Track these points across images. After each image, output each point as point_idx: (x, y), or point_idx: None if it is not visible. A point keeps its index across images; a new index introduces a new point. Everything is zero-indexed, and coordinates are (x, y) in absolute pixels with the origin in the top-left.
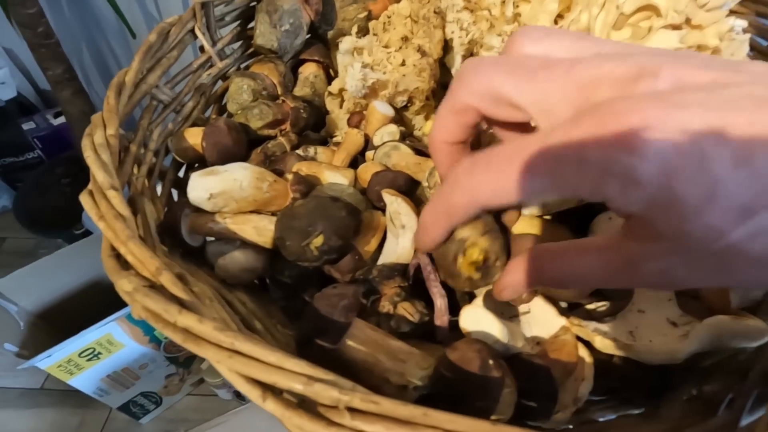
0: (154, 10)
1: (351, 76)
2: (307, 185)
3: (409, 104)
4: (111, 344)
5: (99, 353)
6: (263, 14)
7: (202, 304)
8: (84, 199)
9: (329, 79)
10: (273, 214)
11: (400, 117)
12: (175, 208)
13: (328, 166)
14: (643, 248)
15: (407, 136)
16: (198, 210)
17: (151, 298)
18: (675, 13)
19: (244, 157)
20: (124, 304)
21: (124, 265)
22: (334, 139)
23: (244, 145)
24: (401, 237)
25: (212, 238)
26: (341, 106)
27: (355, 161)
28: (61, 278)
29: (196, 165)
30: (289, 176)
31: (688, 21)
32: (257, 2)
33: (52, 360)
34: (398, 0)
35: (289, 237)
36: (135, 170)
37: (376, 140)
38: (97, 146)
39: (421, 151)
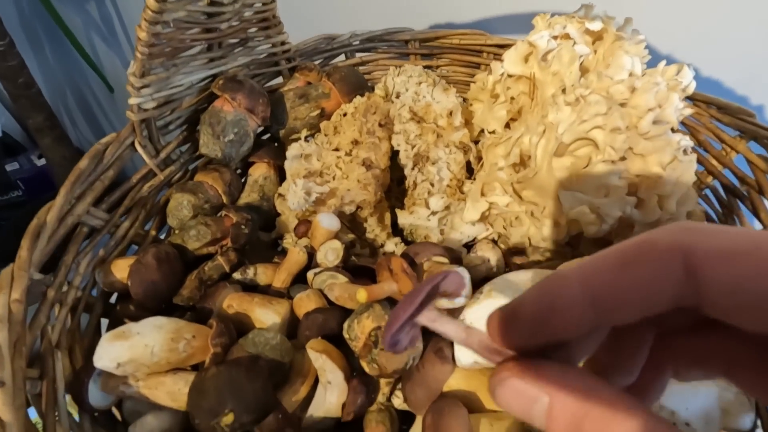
0: None
1: (293, 192)
2: (231, 335)
3: (359, 209)
4: None
5: None
6: (206, 126)
7: None
8: None
9: (281, 177)
10: (194, 367)
11: (352, 217)
12: (82, 374)
13: (260, 301)
14: None
15: (356, 242)
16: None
17: None
18: (612, 149)
19: (176, 288)
20: None
21: None
22: (284, 241)
23: (177, 274)
24: (329, 392)
25: None
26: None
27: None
28: None
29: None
30: (213, 324)
31: (630, 149)
32: (206, 105)
33: None
34: (353, 99)
35: (197, 414)
36: (56, 312)
37: (320, 256)
38: None
39: (365, 267)
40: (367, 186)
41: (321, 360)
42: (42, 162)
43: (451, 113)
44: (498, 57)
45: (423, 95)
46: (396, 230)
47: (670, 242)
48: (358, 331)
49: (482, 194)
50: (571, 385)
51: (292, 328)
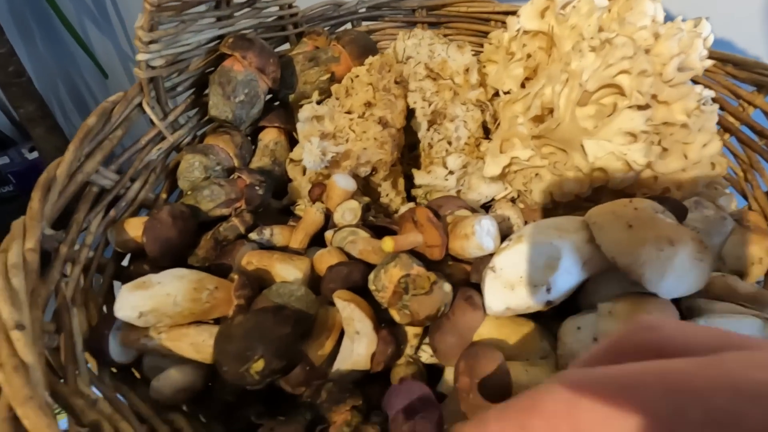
0: (127, 47)
1: (308, 151)
2: (253, 288)
3: (374, 172)
4: None
5: None
6: (216, 86)
7: None
8: None
9: (291, 144)
10: (216, 321)
11: (366, 182)
12: (101, 326)
13: (280, 257)
14: None
15: (371, 206)
16: (130, 323)
17: None
18: (639, 94)
19: (191, 246)
20: None
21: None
22: (297, 208)
23: (191, 233)
24: (357, 343)
25: None
26: (304, 173)
27: (319, 237)
28: None
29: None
30: (235, 277)
31: (654, 97)
32: (213, 69)
33: None
34: (363, 62)
35: (225, 362)
36: (69, 270)
37: (337, 217)
38: (9, 268)
39: (384, 227)
40: (383, 144)
41: (349, 309)
42: (33, 155)
43: (467, 70)
44: (505, 24)
45: (438, 53)
46: (409, 198)
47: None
48: (386, 280)
49: (501, 151)
50: None
51: (312, 286)
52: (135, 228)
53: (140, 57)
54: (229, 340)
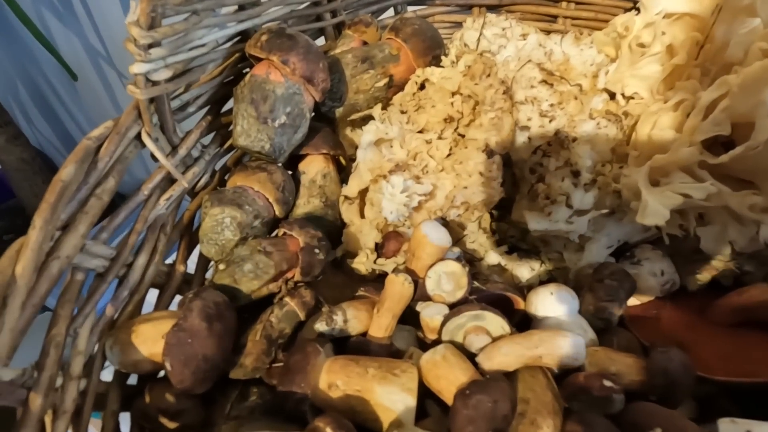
0: (98, 43)
1: (389, 197)
2: None
3: (464, 213)
4: None
5: None
6: (246, 105)
7: None
8: None
9: (343, 173)
10: None
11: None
12: None
13: (377, 372)
14: None
15: (467, 258)
16: None
17: None
18: None
19: (233, 349)
20: None
21: None
22: (355, 262)
23: (232, 333)
24: None
25: None
26: (362, 215)
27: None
28: None
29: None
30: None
31: None
32: (233, 78)
33: None
34: (429, 61)
35: None
36: (49, 427)
37: (430, 286)
38: None
39: (493, 295)
40: (491, 181)
41: None
42: None
43: (596, 71)
44: (581, 5)
45: (550, 48)
46: None
47: None
48: None
49: (653, 183)
50: None
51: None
52: (149, 342)
53: (136, 68)
54: None
